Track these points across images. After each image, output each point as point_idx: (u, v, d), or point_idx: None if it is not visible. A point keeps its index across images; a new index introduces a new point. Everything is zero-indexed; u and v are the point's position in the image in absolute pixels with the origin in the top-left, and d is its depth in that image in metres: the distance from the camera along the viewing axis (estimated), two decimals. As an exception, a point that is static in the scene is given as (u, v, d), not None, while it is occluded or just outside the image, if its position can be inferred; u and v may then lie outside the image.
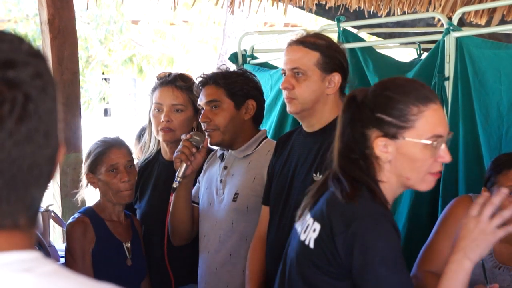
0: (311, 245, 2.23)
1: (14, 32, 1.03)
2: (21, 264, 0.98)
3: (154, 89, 3.61)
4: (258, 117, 3.39)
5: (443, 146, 2.21)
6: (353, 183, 2.21)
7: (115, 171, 3.35)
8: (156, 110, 3.55)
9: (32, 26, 12.92)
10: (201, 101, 3.33)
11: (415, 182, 2.23)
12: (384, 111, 2.21)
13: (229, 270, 3.27)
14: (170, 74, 3.62)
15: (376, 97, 2.25)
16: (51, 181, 1.06)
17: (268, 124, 4.38)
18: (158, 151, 3.70)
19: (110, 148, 3.38)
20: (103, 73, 15.19)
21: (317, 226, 2.22)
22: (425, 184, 2.25)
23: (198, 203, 3.44)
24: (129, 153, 3.42)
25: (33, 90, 0.99)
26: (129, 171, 3.37)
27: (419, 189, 2.27)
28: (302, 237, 2.29)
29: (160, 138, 3.58)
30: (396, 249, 2.14)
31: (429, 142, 2.19)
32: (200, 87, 3.35)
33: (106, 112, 18.28)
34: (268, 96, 4.40)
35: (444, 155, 2.21)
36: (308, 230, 2.27)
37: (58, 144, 1.05)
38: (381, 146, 2.19)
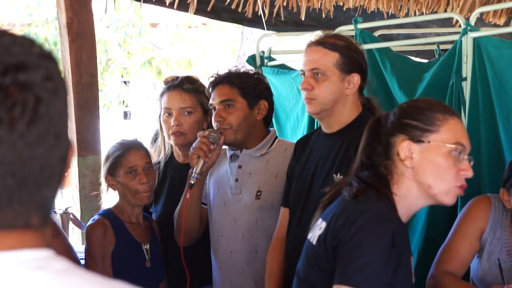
0: (314, 242, 2.25)
1: (25, 35, 1.04)
2: (33, 262, 0.99)
3: (162, 94, 3.62)
4: (268, 118, 3.41)
5: (466, 160, 2.22)
6: (363, 185, 2.22)
7: (133, 173, 3.36)
8: (166, 114, 3.57)
9: (52, 30, 12.99)
10: (214, 100, 3.33)
11: (439, 192, 2.23)
12: (410, 116, 2.25)
13: (256, 267, 3.27)
14: (177, 78, 3.63)
15: (402, 108, 2.32)
16: (64, 182, 1.07)
17: (302, 128, 4.36)
18: (171, 155, 3.71)
19: (129, 150, 3.39)
20: (122, 76, 15.26)
21: (323, 224, 2.25)
22: (449, 196, 2.25)
23: (205, 204, 3.44)
24: (147, 155, 3.43)
25: (44, 93, 1.00)
26: (147, 172, 3.38)
27: (444, 202, 2.26)
28: (309, 236, 2.32)
29: (172, 142, 3.59)
30: (384, 254, 2.10)
31: (453, 146, 2.19)
32: (212, 87, 3.36)
33: (125, 115, 18.35)
34: (298, 100, 4.39)
35: (467, 169, 2.23)
36: (315, 229, 2.30)
37: (69, 145, 1.06)
38: (406, 149, 2.21)
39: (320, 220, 2.29)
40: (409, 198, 2.24)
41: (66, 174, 1.06)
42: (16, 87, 0.98)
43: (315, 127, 4.25)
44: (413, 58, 4.98)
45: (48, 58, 1.03)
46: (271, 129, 3.46)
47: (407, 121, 2.24)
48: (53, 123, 1.01)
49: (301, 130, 4.35)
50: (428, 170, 2.21)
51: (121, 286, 1.04)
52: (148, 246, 3.42)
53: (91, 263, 3.30)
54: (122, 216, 3.40)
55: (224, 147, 3.38)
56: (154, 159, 4.08)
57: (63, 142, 1.04)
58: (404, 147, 2.21)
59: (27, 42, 1.02)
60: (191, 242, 3.44)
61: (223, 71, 3.41)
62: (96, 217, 3.43)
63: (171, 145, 3.69)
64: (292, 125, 4.51)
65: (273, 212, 3.25)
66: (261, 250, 3.26)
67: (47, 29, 13.14)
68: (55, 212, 4.37)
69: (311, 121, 4.27)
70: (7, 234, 1.00)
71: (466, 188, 2.27)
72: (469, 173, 2.24)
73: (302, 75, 3.00)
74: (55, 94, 1.01)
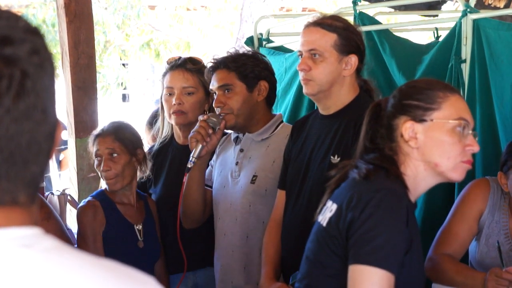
0: (324, 224, 2.23)
1: (10, 9, 1.03)
2: (20, 240, 0.98)
3: (164, 74, 3.63)
4: (270, 98, 3.39)
5: (470, 135, 2.21)
6: (372, 166, 2.21)
7: (99, 160, 3.38)
8: (168, 94, 3.57)
9: (50, 12, 12.93)
10: (213, 86, 3.33)
11: (446, 169, 2.22)
12: (411, 97, 2.24)
13: (246, 252, 3.27)
14: (179, 58, 3.63)
15: (401, 90, 2.31)
16: (51, 156, 1.06)
17: (283, 108, 4.36)
18: (172, 136, 3.70)
19: (97, 137, 3.41)
20: (120, 59, 15.20)
21: (334, 206, 2.23)
22: (457, 172, 2.24)
23: (210, 186, 3.44)
24: (115, 142, 3.39)
25: (30, 67, 0.98)
26: (111, 159, 3.37)
27: (452, 178, 2.25)
28: (319, 219, 2.30)
29: (173, 122, 3.59)
30: (400, 232, 2.10)
31: (456, 122, 2.18)
32: (211, 72, 3.34)
33: (124, 98, 18.31)
34: (283, 79, 4.39)
35: (473, 144, 2.22)
36: (325, 211, 2.28)
37: (56, 121, 1.05)
38: (409, 130, 2.20)
39: (330, 202, 2.27)
40: (417, 178, 2.23)
41: (53, 150, 1.05)
42: (2, 61, 0.96)
43: (303, 105, 4.25)
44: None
45: (34, 32, 1.02)
46: (276, 112, 3.45)
47: (408, 101, 2.23)
48: (40, 98, 1.00)
49: (286, 108, 4.34)
50: (434, 148, 2.20)
51: (109, 264, 1.04)
52: (140, 227, 3.42)
53: (83, 244, 3.32)
54: (113, 197, 3.42)
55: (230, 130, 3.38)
56: (149, 142, 4.07)
57: (51, 117, 1.03)
58: (408, 127, 2.20)
59: (12, 17, 1.01)
60: (198, 224, 3.45)
61: (221, 54, 3.40)
62: (87, 199, 3.45)
63: (172, 126, 3.68)
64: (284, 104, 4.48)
65: (266, 198, 3.24)
66: (252, 235, 3.27)
67: (45, 11, 13.08)
68: (52, 194, 4.36)
69: (295, 102, 4.27)
70: None
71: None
72: (476, 148, 2.23)
73: (300, 56, 2.99)
74: (42, 68, 1.00)
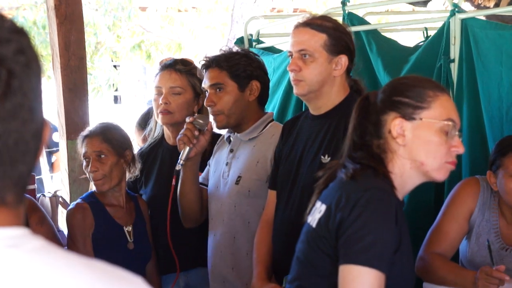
0: (314, 225, 2.24)
1: None
2: (7, 240, 0.98)
3: (156, 75, 3.65)
4: (263, 98, 3.39)
5: (456, 136, 2.22)
6: (359, 165, 2.21)
7: (87, 161, 3.39)
8: (156, 93, 3.59)
9: (41, 13, 12.89)
10: (205, 84, 3.33)
11: (431, 169, 2.22)
12: (401, 94, 2.24)
13: (233, 253, 3.28)
14: (172, 59, 3.65)
15: (392, 85, 2.31)
16: (39, 157, 1.06)
17: (271, 107, 4.37)
18: (162, 137, 3.71)
19: (85, 138, 3.42)
20: (112, 60, 15.17)
21: (323, 207, 2.23)
22: (441, 172, 2.24)
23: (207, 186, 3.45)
24: (103, 143, 3.39)
25: (16, 66, 0.98)
26: (99, 160, 3.38)
27: (435, 178, 2.25)
28: (309, 220, 2.30)
29: (159, 121, 3.60)
30: (390, 231, 2.10)
31: (444, 123, 2.19)
32: (204, 71, 3.35)
33: (116, 99, 18.27)
34: (270, 80, 4.39)
35: (459, 145, 2.22)
36: (314, 212, 2.28)
37: (43, 120, 1.04)
38: (398, 127, 2.20)
39: (319, 203, 2.27)
40: (404, 176, 2.23)
41: (41, 149, 1.05)
42: None
43: (290, 105, 4.24)
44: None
45: (19, 32, 1.02)
46: (268, 112, 3.45)
47: (398, 98, 2.23)
48: (27, 97, 1.00)
49: (273, 108, 4.35)
50: (421, 147, 2.20)
51: (97, 264, 1.03)
52: (130, 228, 3.42)
53: (73, 247, 3.33)
54: (103, 198, 3.42)
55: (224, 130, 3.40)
56: (140, 143, 4.08)
57: (38, 116, 1.03)
58: (396, 124, 2.20)
59: None
60: (197, 223, 3.46)
61: (214, 53, 3.40)
62: (76, 201, 3.46)
63: (163, 127, 3.68)
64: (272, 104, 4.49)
65: (250, 199, 3.25)
66: (238, 235, 3.27)
67: (36, 12, 13.04)
68: (44, 196, 4.36)
69: (283, 103, 4.28)
70: None
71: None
72: (461, 149, 2.24)
73: (290, 57, 2.99)
74: (28, 68, 1.00)
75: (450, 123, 2.21)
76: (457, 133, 2.23)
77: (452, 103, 2.31)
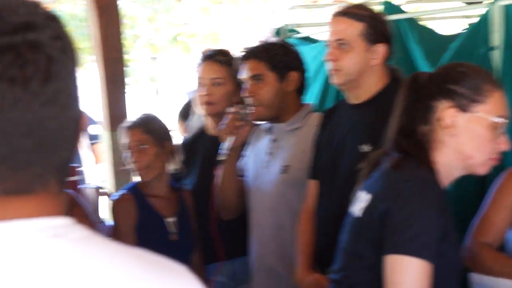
0: (359, 214, 2.22)
1: None
2: (52, 230, 0.98)
3: (198, 66, 3.65)
4: (301, 88, 3.38)
5: (503, 133, 2.19)
6: (402, 154, 2.19)
7: (129, 152, 3.41)
8: (198, 84, 3.59)
9: (78, 7, 13.02)
10: (244, 75, 3.33)
11: (476, 163, 2.20)
12: (457, 82, 2.19)
13: (278, 242, 3.28)
14: (212, 50, 3.65)
15: (448, 71, 2.25)
16: (79, 144, 1.06)
17: (309, 98, 4.35)
18: (204, 127, 3.72)
19: (126, 129, 3.44)
20: (150, 52, 15.26)
21: (367, 197, 2.22)
22: (485, 167, 2.22)
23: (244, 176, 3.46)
24: (144, 133, 3.41)
25: (54, 52, 0.98)
26: (139, 150, 3.39)
27: (478, 172, 2.23)
28: (352, 210, 2.29)
29: (202, 112, 3.62)
30: (434, 220, 2.07)
31: (497, 120, 2.16)
32: (242, 62, 3.35)
33: (154, 91, 18.37)
34: (309, 69, 4.38)
35: (505, 143, 2.20)
36: (358, 202, 2.27)
37: (80, 108, 1.04)
38: (451, 117, 2.16)
39: (363, 193, 2.26)
40: (447, 167, 2.20)
41: (79, 138, 1.05)
42: (27, 46, 0.96)
43: (329, 95, 4.22)
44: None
45: (54, 19, 1.02)
46: (308, 103, 3.45)
47: (453, 87, 2.18)
48: (65, 82, 1.00)
49: (313, 98, 4.33)
50: (470, 140, 2.17)
51: (140, 253, 1.04)
52: (173, 219, 3.44)
53: (117, 237, 3.34)
54: (146, 189, 3.44)
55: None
56: (182, 133, 4.11)
57: (76, 102, 1.03)
58: (450, 115, 2.17)
59: (31, 4, 1.01)
60: (236, 214, 3.48)
61: (252, 44, 3.40)
62: (120, 192, 3.49)
63: (204, 118, 3.71)
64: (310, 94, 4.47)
65: (296, 188, 3.24)
66: (285, 225, 3.27)
67: (73, 6, 13.17)
68: (86, 187, 4.41)
69: (321, 93, 4.26)
70: (25, 200, 0.98)
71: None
72: (507, 146, 2.21)
73: (328, 46, 2.98)
74: (64, 53, 1.00)
75: (502, 120, 2.18)
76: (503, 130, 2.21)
77: (505, 100, 2.25)
